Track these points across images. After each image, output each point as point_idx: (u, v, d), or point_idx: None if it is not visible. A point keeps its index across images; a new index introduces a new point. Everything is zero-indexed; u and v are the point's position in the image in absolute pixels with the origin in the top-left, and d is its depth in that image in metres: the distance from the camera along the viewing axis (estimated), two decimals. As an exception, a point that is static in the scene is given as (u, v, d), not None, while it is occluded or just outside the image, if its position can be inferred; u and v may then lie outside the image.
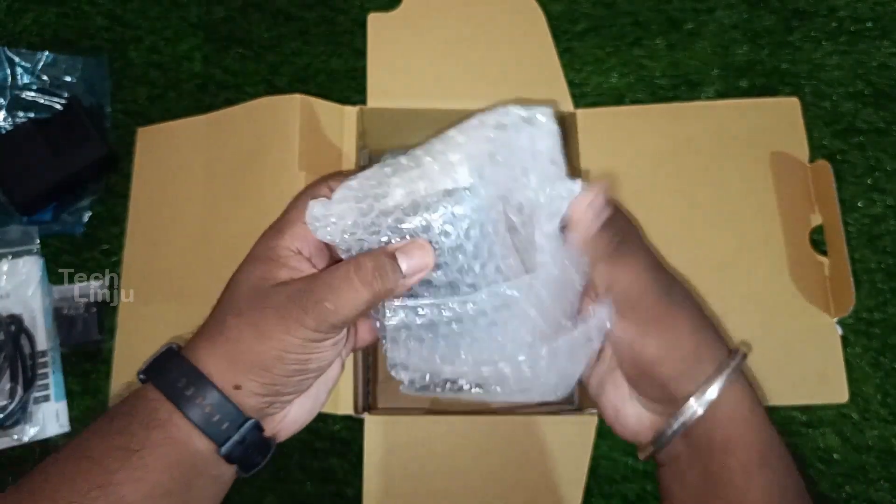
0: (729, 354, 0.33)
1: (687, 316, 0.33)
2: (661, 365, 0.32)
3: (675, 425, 0.32)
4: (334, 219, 0.32)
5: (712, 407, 0.31)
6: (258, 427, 0.32)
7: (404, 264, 0.31)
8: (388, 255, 0.31)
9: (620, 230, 0.33)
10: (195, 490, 0.31)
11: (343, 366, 0.37)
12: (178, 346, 0.33)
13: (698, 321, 0.33)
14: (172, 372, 0.31)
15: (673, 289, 0.33)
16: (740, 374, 0.33)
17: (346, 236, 0.32)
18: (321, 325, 0.30)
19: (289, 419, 0.35)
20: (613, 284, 0.33)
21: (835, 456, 0.49)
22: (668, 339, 0.32)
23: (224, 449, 0.31)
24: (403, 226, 0.31)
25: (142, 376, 0.33)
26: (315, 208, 0.32)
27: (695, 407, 0.32)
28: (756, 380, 0.43)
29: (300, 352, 0.31)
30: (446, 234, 0.31)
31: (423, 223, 0.31)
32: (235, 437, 0.31)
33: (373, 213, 0.32)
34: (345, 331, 0.33)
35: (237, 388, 0.31)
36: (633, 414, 0.35)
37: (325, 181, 0.34)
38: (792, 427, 0.50)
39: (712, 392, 0.31)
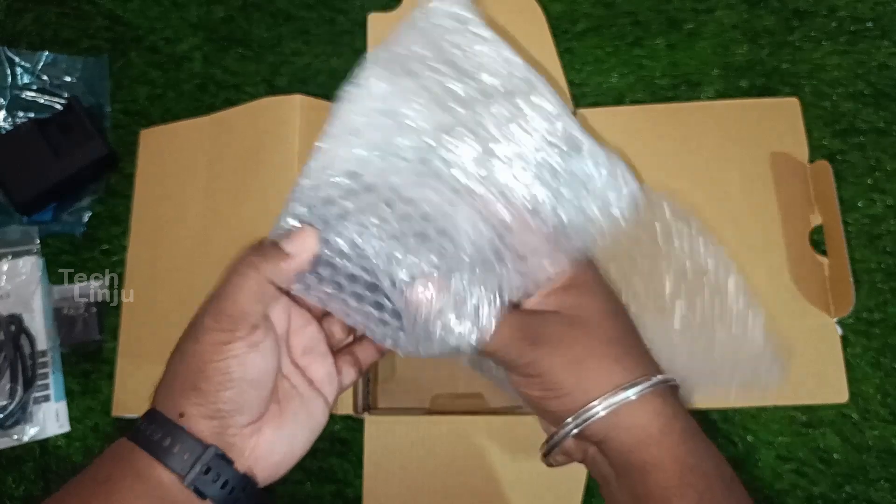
0: (639, 376, 0.32)
1: (561, 354, 0.32)
2: (549, 402, 0.32)
3: (568, 427, 0.32)
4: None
5: (615, 424, 0.31)
6: (223, 457, 0.31)
7: (287, 246, 0.32)
8: (270, 243, 0.33)
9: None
10: None
11: (328, 410, 0.36)
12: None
13: (579, 354, 0.32)
14: (143, 421, 0.32)
15: (541, 329, 0.32)
16: (656, 395, 0.31)
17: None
18: (220, 321, 0.31)
19: (261, 452, 0.33)
20: (486, 350, 0.32)
21: (835, 456, 0.49)
22: (546, 381, 0.32)
23: (188, 479, 0.30)
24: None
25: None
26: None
27: (592, 411, 0.31)
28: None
29: (215, 357, 0.31)
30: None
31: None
32: (198, 467, 0.30)
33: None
34: (268, 338, 0.33)
35: (182, 416, 0.31)
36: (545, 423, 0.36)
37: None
38: (792, 427, 0.50)
39: (610, 403, 0.31)
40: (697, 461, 0.31)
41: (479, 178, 0.33)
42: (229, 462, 0.32)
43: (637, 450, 0.31)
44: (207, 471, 0.31)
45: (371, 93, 0.34)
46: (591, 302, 0.34)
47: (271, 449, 0.33)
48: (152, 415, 0.32)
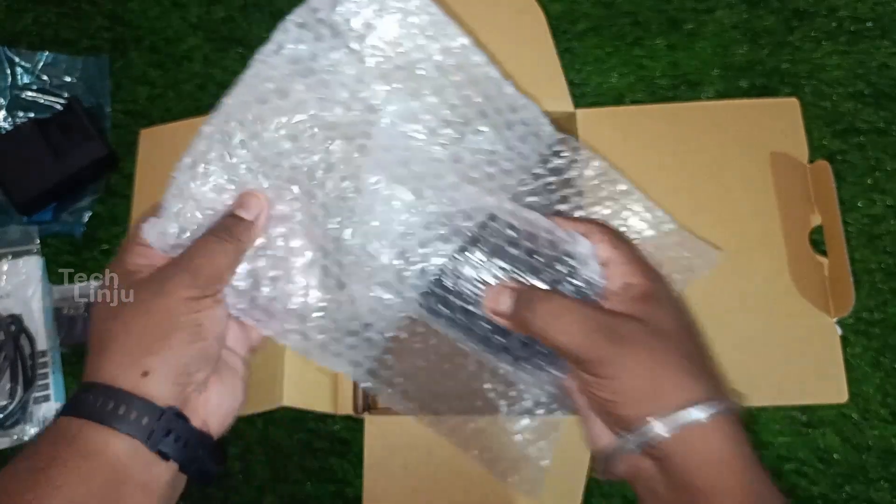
0: (699, 398, 0.31)
1: (642, 360, 0.31)
2: (615, 405, 0.31)
3: (633, 441, 0.31)
4: (172, 229, 0.35)
5: (682, 442, 0.30)
6: (180, 415, 0.31)
7: (244, 213, 0.35)
8: (229, 216, 0.35)
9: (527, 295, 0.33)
10: (124, 500, 0.29)
11: (247, 365, 0.37)
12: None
13: (659, 364, 0.31)
14: (77, 397, 0.31)
15: (624, 331, 0.32)
16: (726, 419, 0.30)
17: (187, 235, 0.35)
18: (198, 279, 0.32)
19: (211, 406, 0.33)
20: (556, 336, 0.32)
21: (835, 456, 0.49)
22: (619, 384, 0.31)
23: (150, 443, 0.30)
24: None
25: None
26: (149, 233, 0.35)
27: (655, 429, 0.30)
28: (756, 381, 0.43)
29: (187, 312, 0.31)
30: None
31: None
32: (158, 430, 0.30)
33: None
34: (223, 290, 0.34)
35: (145, 374, 0.30)
36: (606, 443, 0.34)
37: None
38: (792, 427, 0.50)
39: (681, 421, 0.30)
40: (763, 492, 0.30)
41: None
42: (186, 420, 0.31)
43: (704, 472, 0.30)
44: (168, 432, 0.30)
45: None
46: (669, 315, 0.33)
47: (219, 401, 0.34)
48: (94, 387, 0.30)
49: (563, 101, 0.48)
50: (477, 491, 0.43)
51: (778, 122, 0.48)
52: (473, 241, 0.35)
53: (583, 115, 0.48)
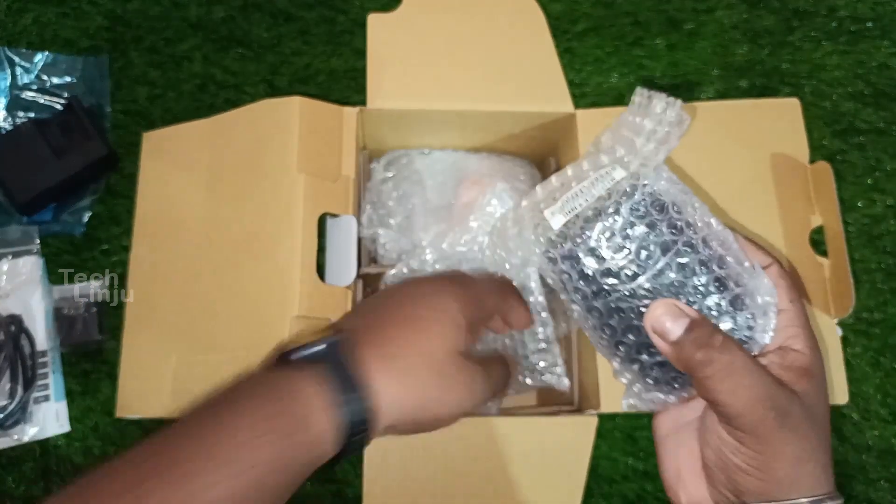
0: (827, 492, 0.31)
1: (794, 445, 0.30)
2: (746, 476, 0.31)
3: None
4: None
5: None
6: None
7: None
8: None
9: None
10: (298, 480, 0.31)
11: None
12: (340, 341, 0.33)
13: (806, 453, 0.31)
14: (343, 376, 0.31)
15: (789, 410, 0.30)
16: None
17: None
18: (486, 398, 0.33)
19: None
20: (720, 392, 0.30)
21: (835, 456, 0.49)
22: (763, 461, 0.30)
23: (340, 461, 0.32)
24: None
25: (301, 354, 0.32)
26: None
27: None
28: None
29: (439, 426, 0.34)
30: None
31: None
32: (355, 427, 0.31)
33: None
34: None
35: (390, 428, 0.32)
36: (693, 486, 0.34)
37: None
38: (792, 427, 0.50)
39: None
40: None
41: None
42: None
43: None
44: (360, 432, 0.31)
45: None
46: (823, 400, 0.32)
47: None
48: (368, 401, 0.31)
49: (563, 102, 0.48)
50: (477, 491, 0.43)
51: (778, 122, 0.48)
52: (651, 224, 0.32)
53: (583, 115, 0.48)
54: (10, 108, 0.57)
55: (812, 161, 0.46)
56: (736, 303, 0.32)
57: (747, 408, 0.29)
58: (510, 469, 0.43)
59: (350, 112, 0.47)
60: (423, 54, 0.49)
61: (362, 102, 0.47)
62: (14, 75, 0.57)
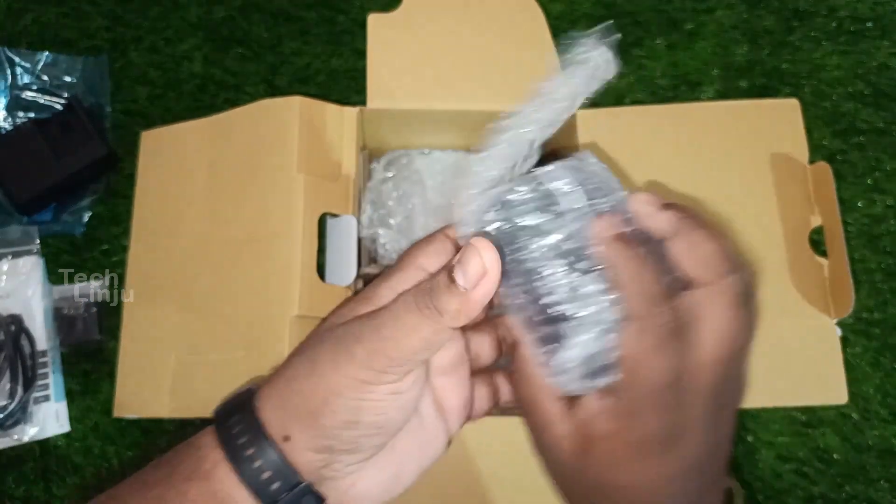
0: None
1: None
2: None
3: None
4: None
5: None
6: (315, 495, 0.27)
7: (460, 277, 0.26)
8: (445, 270, 0.26)
9: None
10: None
11: (449, 442, 0.31)
12: (256, 386, 0.29)
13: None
14: (235, 416, 0.28)
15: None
16: None
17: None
18: (374, 359, 0.26)
19: (358, 491, 0.28)
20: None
21: (835, 456, 0.49)
22: None
23: None
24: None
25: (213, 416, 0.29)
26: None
27: None
28: (756, 381, 0.43)
29: (349, 395, 0.26)
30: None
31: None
32: (285, 501, 0.26)
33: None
34: (415, 385, 0.28)
35: (286, 439, 0.27)
36: None
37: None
38: (792, 427, 0.50)
39: None
40: None
41: None
42: (320, 500, 0.27)
43: None
44: None
45: None
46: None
47: (370, 486, 0.28)
48: (251, 422, 0.27)
49: (563, 102, 0.48)
50: (477, 491, 0.43)
51: (778, 122, 0.48)
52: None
53: (583, 115, 0.48)
54: (10, 108, 0.57)
55: (812, 161, 0.46)
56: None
57: None
58: (510, 469, 0.43)
59: (350, 112, 0.47)
60: (423, 54, 0.49)
61: (362, 102, 0.47)
62: (14, 75, 0.57)
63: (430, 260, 0.29)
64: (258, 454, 0.27)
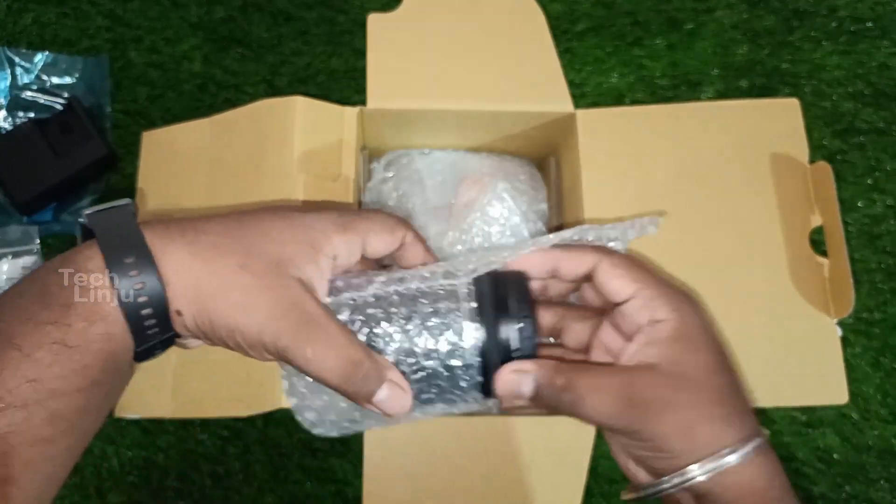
0: (738, 439, 0.31)
1: (675, 417, 0.31)
2: (655, 460, 0.32)
3: (671, 482, 0.31)
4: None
5: (719, 482, 0.30)
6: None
7: (381, 393, 0.30)
8: (387, 375, 0.31)
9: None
10: (116, 381, 0.28)
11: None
12: (135, 208, 0.30)
13: (692, 416, 0.31)
14: (125, 246, 0.28)
15: (652, 392, 0.31)
16: (759, 452, 0.31)
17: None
18: (279, 351, 0.29)
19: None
20: (585, 415, 0.32)
21: (835, 456, 0.49)
22: (657, 444, 0.31)
23: (139, 353, 0.28)
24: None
25: (83, 220, 0.29)
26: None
27: (696, 473, 0.31)
28: (756, 381, 0.43)
29: (244, 347, 0.29)
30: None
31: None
32: (154, 344, 0.28)
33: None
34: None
35: (178, 313, 0.28)
36: (637, 472, 0.34)
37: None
38: (792, 427, 0.50)
39: (718, 466, 0.30)
40: None
41: None
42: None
43: (737, 499, 0.31)
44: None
45: None
46: (698, 357, 0.32)
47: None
48: (151, 274, 0.28)
49: (563, 102, 0.48)
50: (478, 491, 0.43)
51: (778, 122, 0.48)
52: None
53: (583, 115, 0.48)
54: (10, 108, 0.57)
55: (812, 161, 0.46)
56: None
57: (612, 415, 0.31)
58: (510, 469, 0.43)
59: (350, 112, 0.47)
60: (423, 54, 0.49)
61: (362, 102, 0.47)
62: (14, 75, 0.57)
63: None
64: (149, 304, 0.28)
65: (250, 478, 0.50)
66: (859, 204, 0.54)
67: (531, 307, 0.32)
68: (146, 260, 0.28)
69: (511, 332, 0.31)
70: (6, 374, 0.25)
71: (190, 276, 0.28)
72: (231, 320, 0.28)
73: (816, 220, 0.46)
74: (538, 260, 0.34)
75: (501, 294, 0.32)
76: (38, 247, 0.53)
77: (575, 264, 0.34)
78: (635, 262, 0.35)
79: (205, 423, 0.51)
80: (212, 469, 0.50)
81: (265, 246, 0.29)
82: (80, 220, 0.29)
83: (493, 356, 0.31)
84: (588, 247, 0.35)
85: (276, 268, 0.29)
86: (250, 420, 0.51)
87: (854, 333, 0.51)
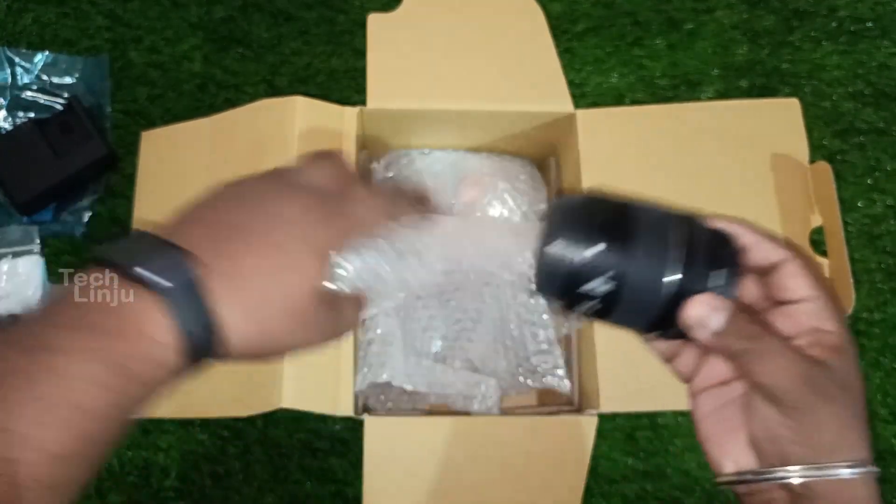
0: (865, 458, 0.33)
1: (833, 414, 0.32)
2: (792, 445, 0.32)
3: (774, 474, 0.32)
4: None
5: (831, 491, 0.31)
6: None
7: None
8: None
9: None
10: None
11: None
12: (186, 255, 0.29)
13: (844, 420, 0.33)
14: (191, 309, 0.28)
15: (825, 383, 0.32)
16: (871, 478, 0.32)
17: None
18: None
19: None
20: (762, 374, 0.32)
21: (834, 456, 0.49)
22: (807, 430, 0.32)
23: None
24: None
25: (131, 269, 0.28)
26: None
27: (815, 473, 0.32)
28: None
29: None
30: None
31: None
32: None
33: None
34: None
35: (229, 355, 0.29)
36: (739, 455, 0.35)
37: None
38: (792, 427, 0.50)
39: (833, 473, 0.31)
40: None
41: None
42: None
43: None
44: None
45: None
46: (855, 373, 0.33)
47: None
48: (215, 334, 0.28)
49: (563, 102, 0.48)
50: (477, 491, 0.43)
51: (778, 122, 0.48)
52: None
53: (583, 115, 0.48)
54: (10, 108, 0.57)
55: (812, 161, 0.46)
56: None
57: (787, 385, 0.31)
58: (510, 469, 0.43)
59: (350, 112, 0.47)
60: (423, 54, 0.49)
61: (362, 102, 0.47)
62: (14, 75, 0.57)
63: None
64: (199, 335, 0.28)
65: (250, 478, 0.50)
66: (859, 204, 0.54)
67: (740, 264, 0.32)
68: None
69: (721, 274, 0.32)
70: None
71: (243, 334, 0.29)
72: (276, 352, 0.31)
73: (816, 220, 0.46)
74: (734, 233, 0.34)
75: (718, 240, 0.32)
76: (39, 247, 0.53)
77: (767, 252, 0.33)
78: (819, 267, 0.35)
79: (205, 423, 0.51)
80: (212, 469, 0.50)
81: (291, 282, 0.31)
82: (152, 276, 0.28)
83: (696, 284, 0.31)
84: (777, 237, 0.34)
85: (304, 298, 0.31)
86: (250, 420, 0.51)
87: (854, 333, 0.51)
